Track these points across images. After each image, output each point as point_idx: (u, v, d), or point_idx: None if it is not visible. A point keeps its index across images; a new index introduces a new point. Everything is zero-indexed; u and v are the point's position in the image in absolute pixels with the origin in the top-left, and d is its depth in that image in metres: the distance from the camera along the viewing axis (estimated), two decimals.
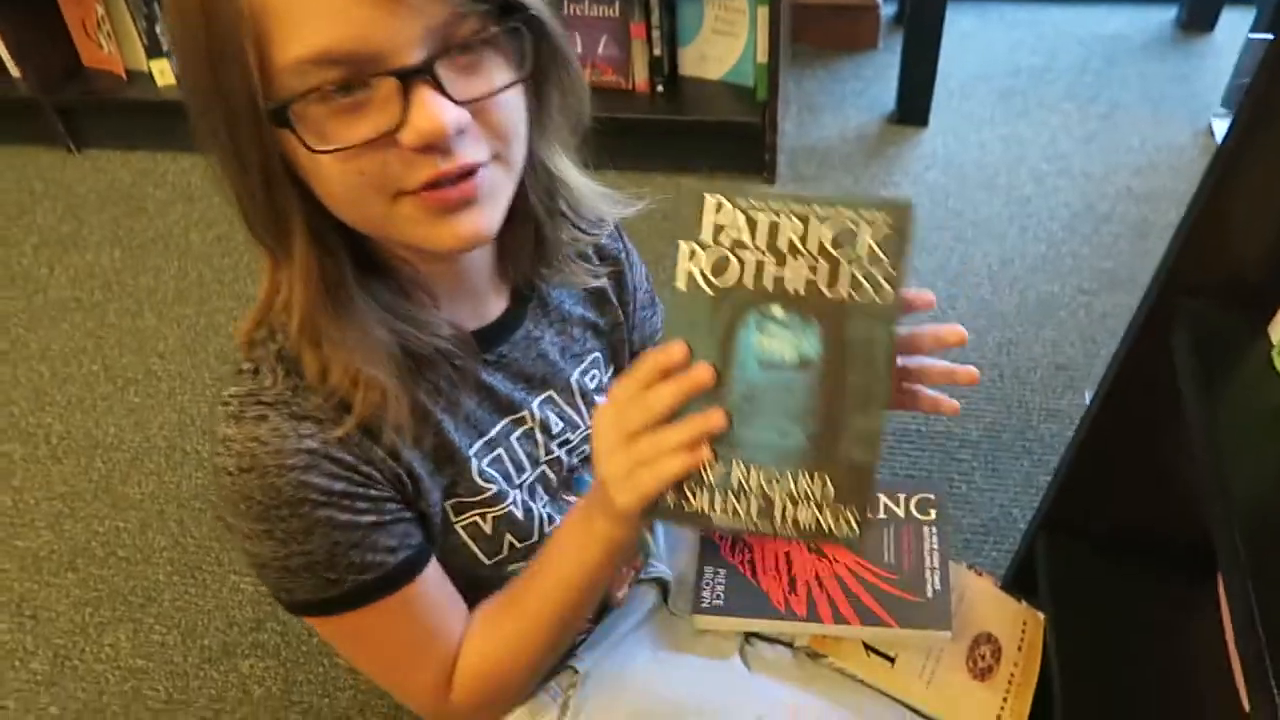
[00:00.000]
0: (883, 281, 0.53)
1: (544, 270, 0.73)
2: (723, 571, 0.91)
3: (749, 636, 0.91)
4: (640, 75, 2.07)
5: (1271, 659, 0.56)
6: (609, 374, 0.84)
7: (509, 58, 0.56)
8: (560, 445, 0.78)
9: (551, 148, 0.67)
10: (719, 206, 0.54)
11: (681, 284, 0.55)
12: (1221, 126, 2.08)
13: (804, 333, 0.54)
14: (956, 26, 2.45)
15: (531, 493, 0.76)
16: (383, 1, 0.49)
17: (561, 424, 0.78)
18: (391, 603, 0.66)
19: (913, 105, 2.22)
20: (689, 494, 0.58)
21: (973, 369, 0.63)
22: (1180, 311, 0.82)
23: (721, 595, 0.89)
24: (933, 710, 0.88)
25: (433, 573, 0.69)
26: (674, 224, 0.54)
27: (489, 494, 0.72)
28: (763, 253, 0.54)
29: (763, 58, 1.99)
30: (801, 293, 0.54)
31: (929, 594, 0.87)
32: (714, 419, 0.55)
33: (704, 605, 0.88)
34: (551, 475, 0.78)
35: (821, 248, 0.53)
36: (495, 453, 0.73)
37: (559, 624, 0.71)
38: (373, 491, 0.63)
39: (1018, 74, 2.36)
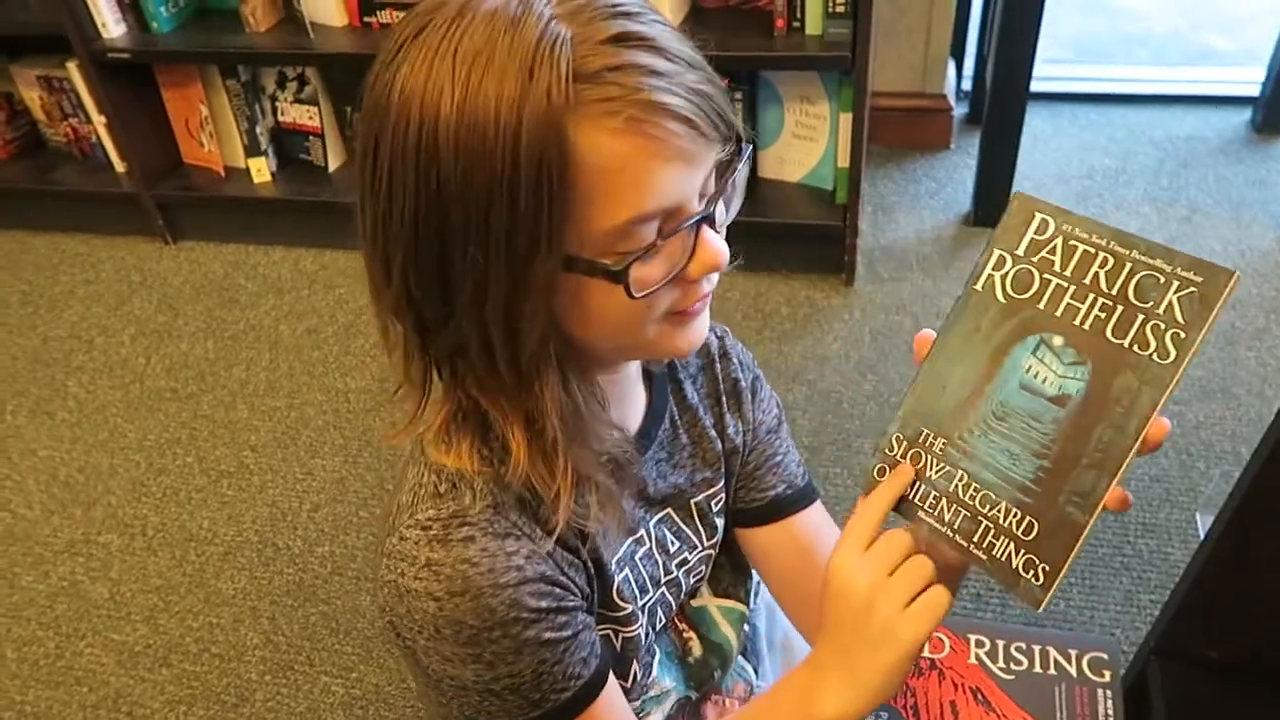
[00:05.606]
0: (1170, 345, 0.50)
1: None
2: (884, 716, 0.88)
3: None
4: None
5: None
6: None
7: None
8: (678, 566, 0.78)
9: None
10: (1044, 225, 0.54)
11: (980, 285, 0.56)
12: None
13: (1073, 369, 0.53)
14: (1030, 128, 2.46)
15: (651, 616, 0.76)
16: (693, 164, 0.55)
17: (678, 543, 0.77)
18: (587, 716, 0.66)
19: (990, 207, 2.23)
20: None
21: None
22: None
23: None
24: None
25: (614, 678, 0.69)
26: (994, 227, 0.56)
27: (623, 613, 0.72)
28: (1067, 281, 0.53)
29: (844, 162, 2.02)
30: (1086, 329, 0.52)
31: None
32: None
33: None
34: (670, 599, 0.78)
35: (1124, 293, 0.51)
36: (624, 572, 0.73)
37: None
38: (568, 603, 0.64)
39: (1093, 176, 2.37)
